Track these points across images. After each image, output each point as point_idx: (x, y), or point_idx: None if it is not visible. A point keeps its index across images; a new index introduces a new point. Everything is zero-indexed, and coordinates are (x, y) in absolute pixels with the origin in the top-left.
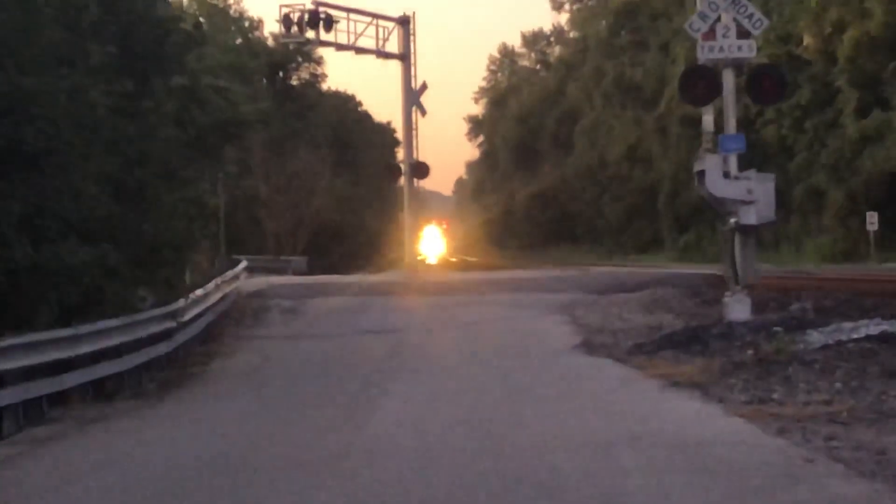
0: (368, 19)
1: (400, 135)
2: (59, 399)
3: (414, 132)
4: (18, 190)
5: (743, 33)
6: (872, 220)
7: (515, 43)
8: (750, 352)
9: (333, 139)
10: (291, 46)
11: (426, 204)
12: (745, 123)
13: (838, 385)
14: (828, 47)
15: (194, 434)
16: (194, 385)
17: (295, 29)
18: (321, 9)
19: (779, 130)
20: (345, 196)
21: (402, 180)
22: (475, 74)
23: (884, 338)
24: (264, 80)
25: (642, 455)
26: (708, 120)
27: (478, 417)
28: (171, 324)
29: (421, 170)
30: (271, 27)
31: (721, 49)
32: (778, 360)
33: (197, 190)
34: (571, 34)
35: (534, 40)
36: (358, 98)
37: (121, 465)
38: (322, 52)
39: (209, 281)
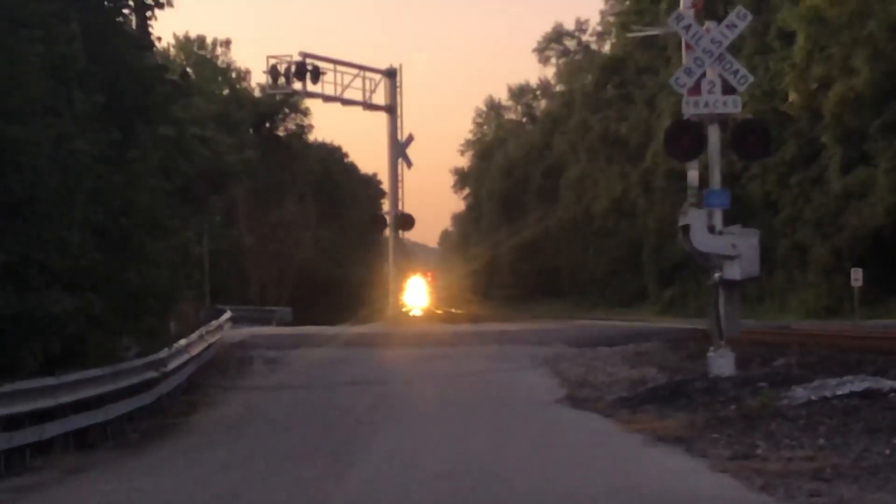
0: (355, 71)
1: (386, 186)
2: (41, 448)
3: (400, 184)
4: (2, 238)
5: (728, 89)
6: (857, 277)
7: (502, 96)
8: (734, 407)
9: (319, 190)
10: (278, 97)
11: (411, 255)
12: (729, 178)
13: (822, 441)
14: (813, 103)
15: (176, 485)
16: (177, 435)
17: (282, 80)
18: (308, 60)
19: (763, 186)
20: (330, 247)
21: (388, 232)
22: (461, 127)
23: (868, 394)
24: (251, 131)
25: None
26: (693, 175)
27: (461, 470)
28: (154, 374)
29: (406, 221)
30: (258, 78)
31: (706, 104)
32: (762, 415)
33: (182, 239)
34: (557, 88)
35: (520, 93)
36: (344, 149)
37: None
38: (309, 103)
39: (193, 331)
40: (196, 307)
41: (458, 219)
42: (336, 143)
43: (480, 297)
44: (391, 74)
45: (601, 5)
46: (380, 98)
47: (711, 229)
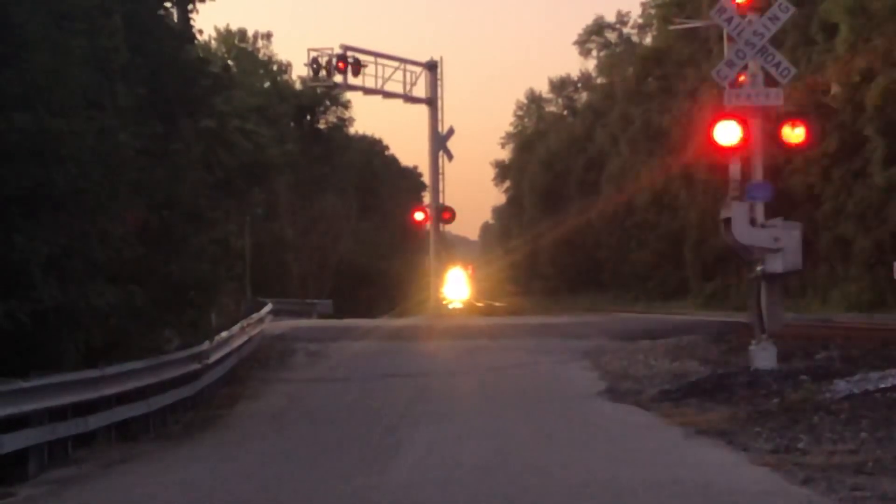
0: (396, 64)
1: (426, 179)
2: (84, 440)
3: (440, 176)
4: (46, 231)
5: (770, 81)
6: None
7: (543, 88)
8: (776, 400)
9: (360, 183)
10: (319, 90)
11: (452, 248)
12: (772, 171)
13: (864, 435)
14: (855, 96)
15: (217, 477)
16: (218, 427)
17: (323, 73)
18: (349, 53)
19: (806, 179)
20: (370, 239)
21: (428, 224)
22: (502, 119)
23: None
24: (292, 124)
25: (667, 503)
26: (735, 168)
27: (502, 464)
28: (196, 366)
29: (447, 214)
30: (300, 71)
31: (748, 97)
32: (804, 408)
33: (223, 232)
34: (599, 80)
35: (561, 86)
36: (385, 142)
37: None
38: (349, 95)
39: (235, 323)
40: (237, 300)
41: (498, 211)
42: (377, 135)
43: (521, 290)
44: (432, 67)
45: None
46: (420, 91)
47: (753, 222)
